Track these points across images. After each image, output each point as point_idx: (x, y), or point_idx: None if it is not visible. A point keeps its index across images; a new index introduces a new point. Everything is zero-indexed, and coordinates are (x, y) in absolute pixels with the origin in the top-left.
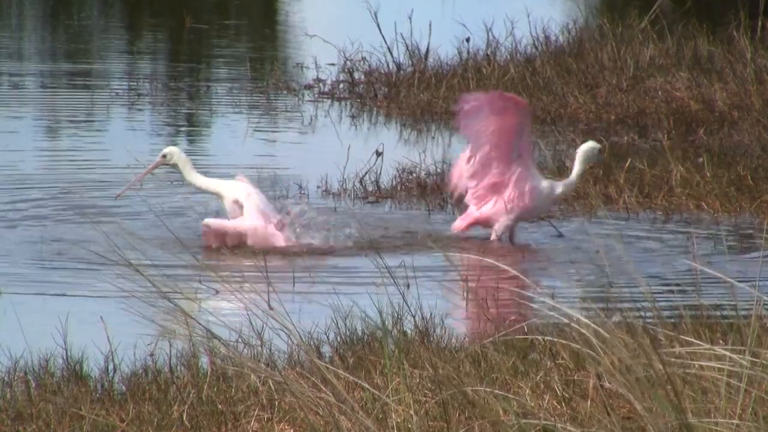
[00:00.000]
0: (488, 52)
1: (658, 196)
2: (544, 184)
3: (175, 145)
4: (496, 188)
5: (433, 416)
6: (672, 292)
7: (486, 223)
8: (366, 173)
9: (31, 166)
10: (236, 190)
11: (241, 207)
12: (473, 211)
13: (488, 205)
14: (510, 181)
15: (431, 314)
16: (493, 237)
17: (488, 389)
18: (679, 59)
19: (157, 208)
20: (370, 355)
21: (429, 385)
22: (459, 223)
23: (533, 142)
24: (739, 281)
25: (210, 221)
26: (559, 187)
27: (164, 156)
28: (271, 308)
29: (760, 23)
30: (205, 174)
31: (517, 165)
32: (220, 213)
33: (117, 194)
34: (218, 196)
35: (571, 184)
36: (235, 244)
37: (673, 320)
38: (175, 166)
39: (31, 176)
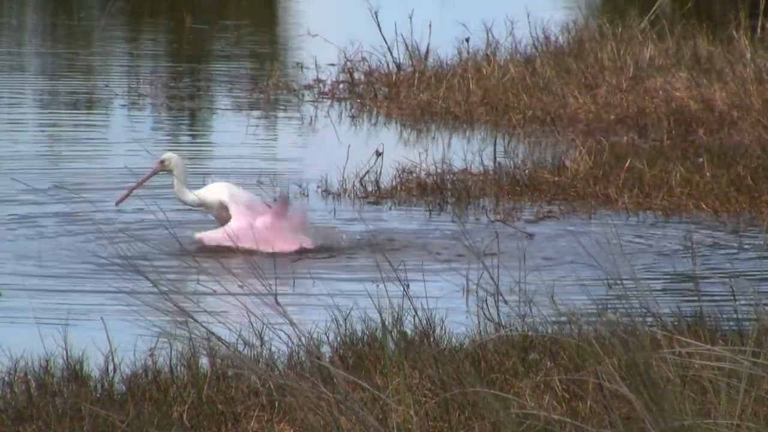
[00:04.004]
0: (488, 52)
1: (658, 196)
2: None
3: (174, 145)
4: None
5: (433, 416)
6: (671, 292)
7: None
8: (366, 173)
9: (31, 167)
10: (219, 192)
11: (226, 210)
12: None
13: None
14: None
15: (431, 314)
16: None
17: (488, 389)
18: (678, 59)
19: (155, 208)
20: (370, 355)
21: (429, 385)
22: None
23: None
24: (739, 281)
25: (201, 235)
26: None
27: (162, 162)
28: (278, 302)
29: (760, 23)
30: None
31: None
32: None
33: (117, 201)
34: (206, 207)
35: None
36: (232, 248)
37: (672, 321)
38: (171, 172)
39: (30, 177)
